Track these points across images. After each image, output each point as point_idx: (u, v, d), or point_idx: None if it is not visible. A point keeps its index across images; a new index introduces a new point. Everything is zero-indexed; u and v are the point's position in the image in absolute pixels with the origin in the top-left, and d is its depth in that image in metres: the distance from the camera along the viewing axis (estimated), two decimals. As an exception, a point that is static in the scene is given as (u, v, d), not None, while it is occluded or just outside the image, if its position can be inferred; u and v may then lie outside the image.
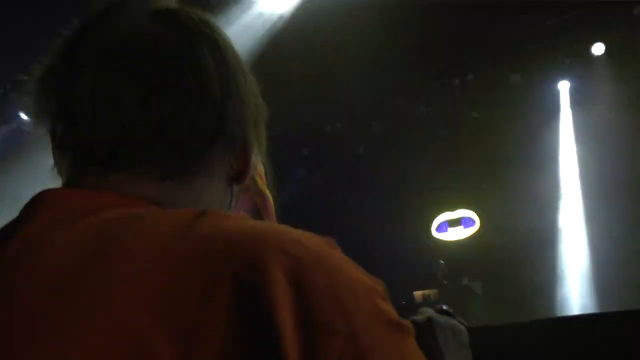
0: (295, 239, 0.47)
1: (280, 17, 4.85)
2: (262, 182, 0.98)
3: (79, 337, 0.42)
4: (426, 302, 5.64)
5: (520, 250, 5.84)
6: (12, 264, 0.48)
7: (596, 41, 5.65)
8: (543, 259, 5.83)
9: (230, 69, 0.61)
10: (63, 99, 0.58)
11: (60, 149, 0.60)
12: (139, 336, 0.41)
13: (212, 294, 0.42)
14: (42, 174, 0.65)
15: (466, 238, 6.38)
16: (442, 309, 0.86)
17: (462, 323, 0.85)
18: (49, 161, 0.62)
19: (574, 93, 6.07)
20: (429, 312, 0.84)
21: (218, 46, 0.61)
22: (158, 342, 0.41)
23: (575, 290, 5.68)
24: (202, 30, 0.61)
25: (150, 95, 0.56)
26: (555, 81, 6.05)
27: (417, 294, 5.79)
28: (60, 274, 0.46)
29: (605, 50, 5.66)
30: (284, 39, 4.80)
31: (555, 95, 6.13)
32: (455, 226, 6.55)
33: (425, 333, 0.81)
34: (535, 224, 5.82)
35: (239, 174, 0.65)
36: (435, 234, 6.60)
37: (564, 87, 6.11)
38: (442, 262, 6.04)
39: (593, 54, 5.71)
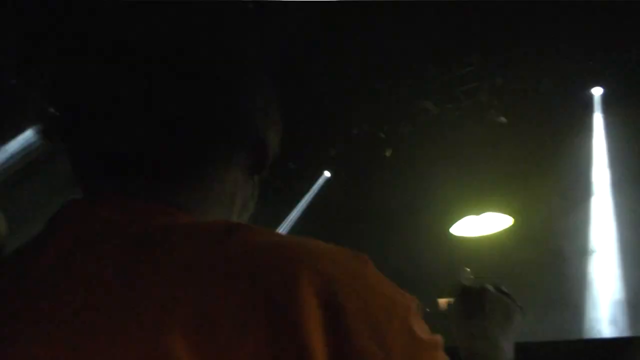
0: (328, 256, 0.46)
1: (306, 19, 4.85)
2: None
3: (111, 355, 0.41)
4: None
5: (549, 258, 5.73)
6: (44, 283, 0.47)
7: (633, 46, 5.51)
8: (573, 270, 5.70)
9: (235, 59, 0.60)
10: (70, 109, 0.56)
11: (75, 158, 0.59)
12: (171, 357, 0.40)
13: (245, 316, 0.42)
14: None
15: (493, 235, 6.24)
16: (498, 286, 0.87)
17: (517, 305, 0.85)
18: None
19: (607, 98, 5.93)
20: (485, 284, 0.85)
21: (217, 40, 0.60)
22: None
23: (608, 308, 5.47)
24: (201, 19, 0.59)
25: (155, 96, 0.54)
26: (588, 86, 5.93)
27: (442, 301, 5.71)
28: (94, 290, 0.45)
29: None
30: (310, 40, 4.79)
31: (587, 100, 6.00)
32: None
33: (475, 300, 0.82)
34: (566, 230, 5.71)
35: (258, 164, 0.64)
36: (459, 232, 6.50)
37: (596, 92, 5.98)
38: (468, 269, 5.95)
39: (629, 59, 5.57)
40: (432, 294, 5.76)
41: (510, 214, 6.07)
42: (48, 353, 0.42)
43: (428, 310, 5.73)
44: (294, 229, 7.02)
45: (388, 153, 7.04)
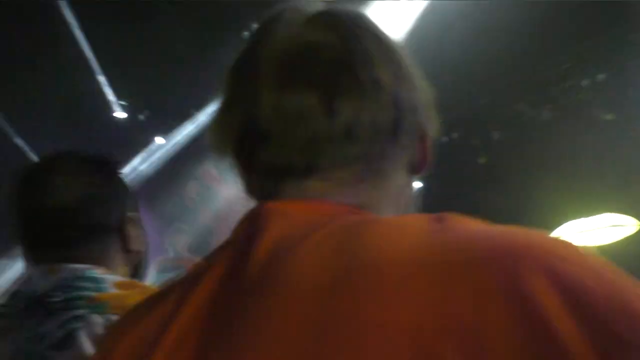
0: (544, 240, 0.45)
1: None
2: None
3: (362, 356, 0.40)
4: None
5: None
6: (253, 286, 0.48)
7: None
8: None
9: (395, 57, 0.62)
10: (249, 119, 0.59)
11: (251, 166, 0.61)
12: (427, 350, 0.40)
13: (484, 304, 0.41)
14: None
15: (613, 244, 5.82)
16: None
17: None
18: None
19: None
20: None
21: (378, 37, 0.62)
22: (448, 356, 0.39)
23: None
24: (359, 25, 0.62)
25: (331, 100, 0.57)
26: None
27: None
28: (310, 293, 0.44)
29: None
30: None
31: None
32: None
33: None
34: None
35: (420, 163, 0.66)
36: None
37: None
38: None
39: None
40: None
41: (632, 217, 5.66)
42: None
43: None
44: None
45: (482, 160, 6.83)
